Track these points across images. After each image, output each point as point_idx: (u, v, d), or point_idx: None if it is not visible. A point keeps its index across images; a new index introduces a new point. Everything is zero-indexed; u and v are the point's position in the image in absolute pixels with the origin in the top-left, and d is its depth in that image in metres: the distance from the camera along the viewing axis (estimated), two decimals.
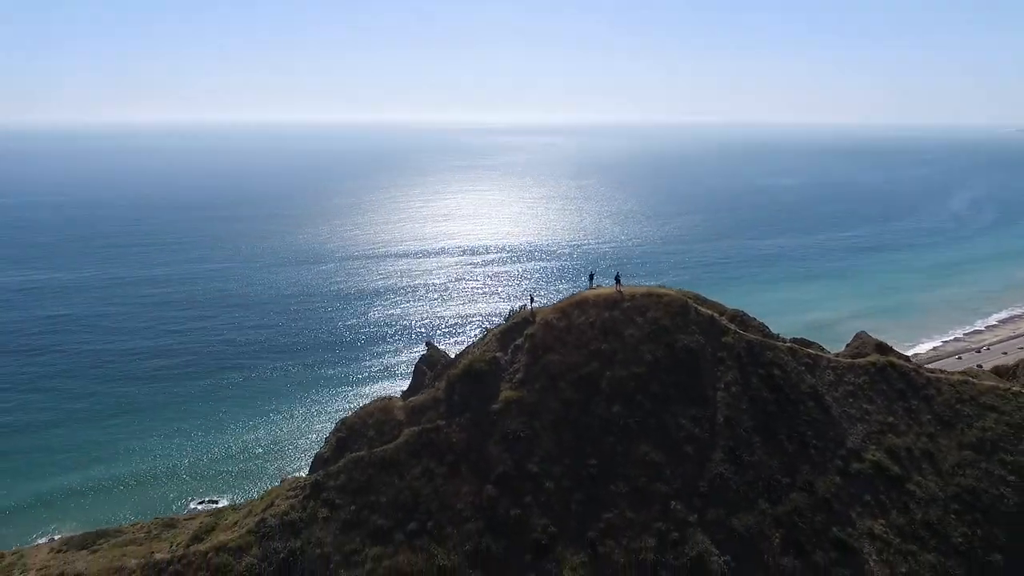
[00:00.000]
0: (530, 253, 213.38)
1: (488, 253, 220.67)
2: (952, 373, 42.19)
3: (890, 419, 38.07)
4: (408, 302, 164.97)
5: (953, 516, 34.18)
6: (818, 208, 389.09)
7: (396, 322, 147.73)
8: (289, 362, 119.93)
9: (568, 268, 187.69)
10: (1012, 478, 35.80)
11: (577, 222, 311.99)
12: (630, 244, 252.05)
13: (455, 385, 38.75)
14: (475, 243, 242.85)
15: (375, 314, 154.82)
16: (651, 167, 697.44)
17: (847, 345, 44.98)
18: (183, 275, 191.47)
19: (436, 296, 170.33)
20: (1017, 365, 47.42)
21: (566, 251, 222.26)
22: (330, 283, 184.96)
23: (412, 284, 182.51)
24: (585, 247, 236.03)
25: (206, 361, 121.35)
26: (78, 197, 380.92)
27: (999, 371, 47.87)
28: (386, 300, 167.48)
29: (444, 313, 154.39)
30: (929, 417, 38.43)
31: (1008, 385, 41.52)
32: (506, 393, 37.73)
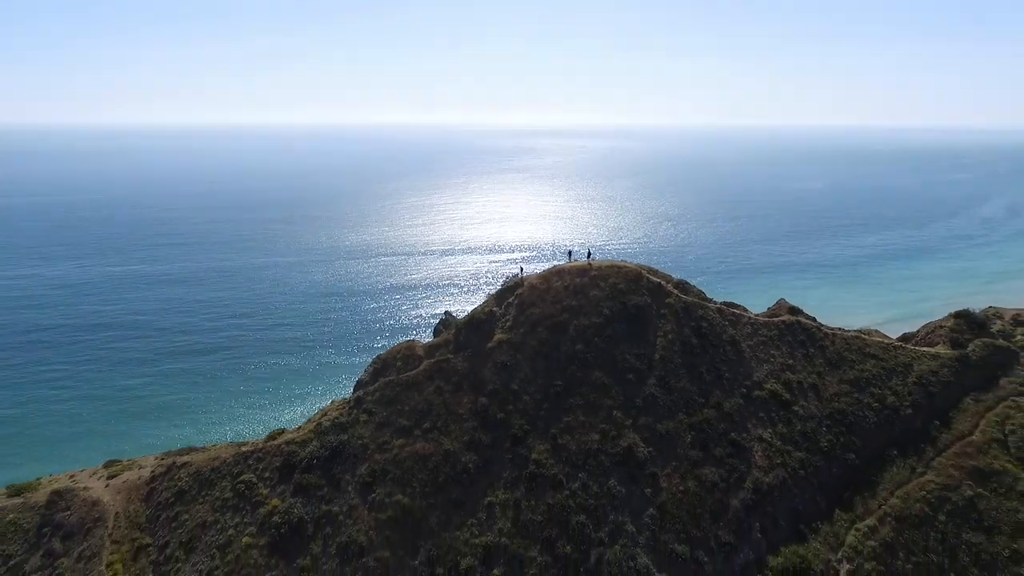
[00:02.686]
0: (555, 254, 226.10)
1: (515, 252, 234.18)
2: (849, 331, 53.52)
3: (790, 361, 49.82)
4: (438, 293, 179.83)
5: (824, 428, 45.89)
6: (850, 213, 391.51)
7: (426, 310, 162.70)
8: (336, 342, 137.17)
9: None
10: (875, 405, 47.25)
11: (604, 224, 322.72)
12: (660, 247, 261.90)
13: (461, 330, 51.91)
14: (501, 243, 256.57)
15: (408, 302, 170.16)
16: (682, 170, 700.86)
17: (768, 308, 56.58)
18: (236, 268, 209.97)
19: (462, 289, 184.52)
20: (918, 332, 58.23)
21: (593, 253, 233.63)
22: (366, 279, 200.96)
23: (442, 278, 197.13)
24: (608, 248, 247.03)
25: (268, 343, 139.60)
26: (119, 196, 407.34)
27: (905, 337, 58.71)
28: (419, 292, 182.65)
29: (468, 304, 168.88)
30: (821, 361, 50.03)
31: (892, 341, 52.73)
32: (498, 336, 50.68)
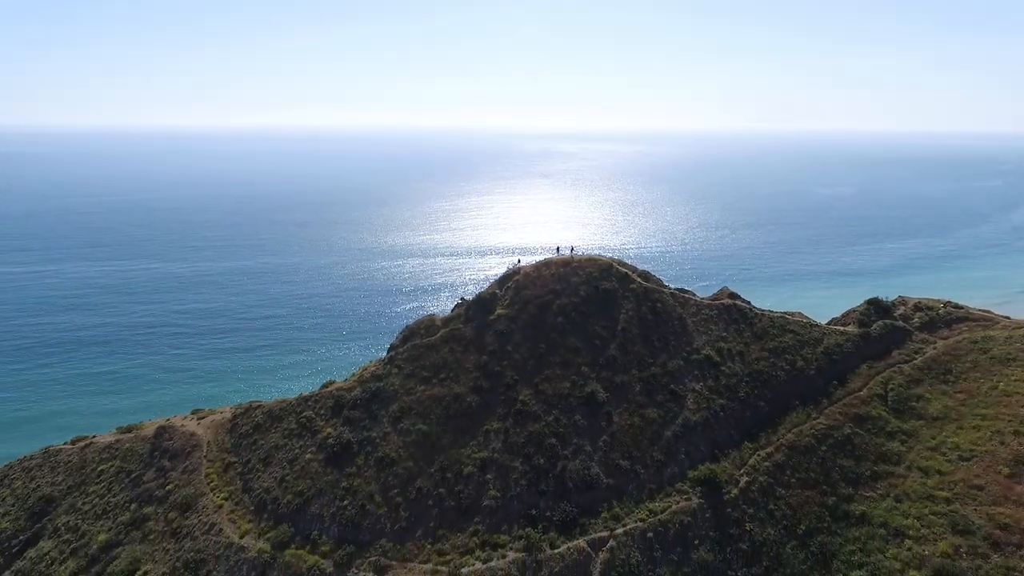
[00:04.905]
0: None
1: (535, 254, 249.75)
2: (776, 312, 67.14)
3: (724, 334, 63.84)
4: (458, 291, 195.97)
5: (744, 383, 59.81)
6: (878, 219, 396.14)
7: (447, 304, 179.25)
8: (368, 336, 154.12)
9: None
10: (786, 367, 61.00)
11: (626, 230, 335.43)
12: (682, 253, 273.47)
13: (470, 307, 67.16)
14: (520, 247, 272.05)
15: (433, 300, 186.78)
16: (710, 175, 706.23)
17: (712, 294, 70.47)
18: (269, 269, 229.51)
19: (480, 286, 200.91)
20: (840, 316, 71.42)
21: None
22: (395, 279, 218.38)
23: (462, 281, 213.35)
24: (626, 253, 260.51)
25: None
26: (164, 198, 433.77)
27: (833, 321, 71.94)
28: (444, 291, 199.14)
29: None
30: (749, 334, 63.92)
31: (810, 320, 66.23)
32: (498, 311, 65.78)
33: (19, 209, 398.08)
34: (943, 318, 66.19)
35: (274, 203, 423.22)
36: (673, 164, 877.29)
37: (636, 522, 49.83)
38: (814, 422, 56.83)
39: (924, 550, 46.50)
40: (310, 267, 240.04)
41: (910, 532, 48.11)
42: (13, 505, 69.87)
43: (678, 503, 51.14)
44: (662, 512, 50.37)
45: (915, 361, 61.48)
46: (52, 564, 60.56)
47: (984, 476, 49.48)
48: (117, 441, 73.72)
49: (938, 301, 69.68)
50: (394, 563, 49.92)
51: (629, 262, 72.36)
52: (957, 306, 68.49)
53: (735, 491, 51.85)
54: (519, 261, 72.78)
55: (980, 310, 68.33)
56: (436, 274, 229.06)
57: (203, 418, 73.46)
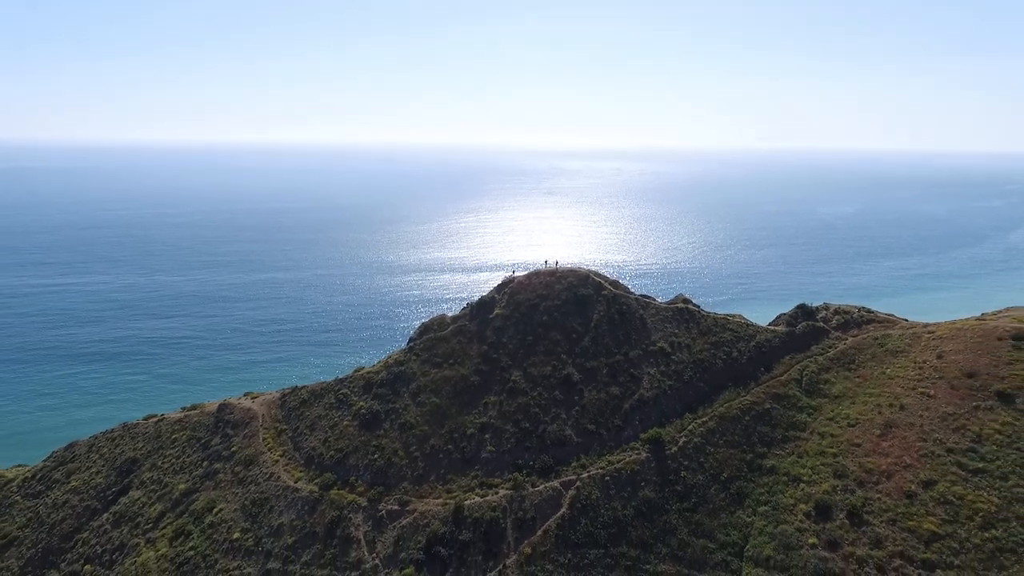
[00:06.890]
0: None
1: (531, 268, 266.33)
2: (719, 313, 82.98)
3: (676, 331, 79.78)
4: (463, 303, 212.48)
5: (689, 369, 75.60)
6: (875, 238, 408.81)
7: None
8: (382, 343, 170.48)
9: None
10: (724, 357, 76.75)
11: (630, 249, 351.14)
12: (681, 270, 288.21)
13: (474, 307, 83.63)
14: (524, 263, 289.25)
15: (443, 307, 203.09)
16: (713, 195, 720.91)
17: (670, 299, 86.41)
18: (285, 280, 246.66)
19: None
20: (775, 318, 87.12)
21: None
22: (409, 292, 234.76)
23: (471, 296, 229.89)
24: (626, 269, 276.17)
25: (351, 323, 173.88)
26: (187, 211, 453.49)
27: (771, 323, 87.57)
28: (454, 303, 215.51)
29: None
30: (696, 331, 79.81)
31: (747, 320, 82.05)
32: (496, 311, 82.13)
33: (44, 223, 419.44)
34: (856, 320, 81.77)
35: (292, 220, 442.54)
36: (679, 184, 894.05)
37: (597, 470, 65.55)
38: (742, 399, 72.45)
39: (811, 490, 61.92)
40: (327, 282, 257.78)
41: (804, 478, 63.53)
42: (104, 466, 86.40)
43: (630, 456, 66.84)
44: (618, 463, 66.07)
45: (828, 353, 77.05)
46: (143, 507, 76.89)
47: (862, 436, 64.92)
48: (185, 416, 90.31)
49: (854, 306, 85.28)
50: (413, 499, 65.89)
51: (629, 278, 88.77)
52: (869, 311, 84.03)
53: (675, 448, 67.48)
54: (513, 271, 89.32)
55: (885, 314, 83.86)
56: (444, 289, 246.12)
57: (255, 398, 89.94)
